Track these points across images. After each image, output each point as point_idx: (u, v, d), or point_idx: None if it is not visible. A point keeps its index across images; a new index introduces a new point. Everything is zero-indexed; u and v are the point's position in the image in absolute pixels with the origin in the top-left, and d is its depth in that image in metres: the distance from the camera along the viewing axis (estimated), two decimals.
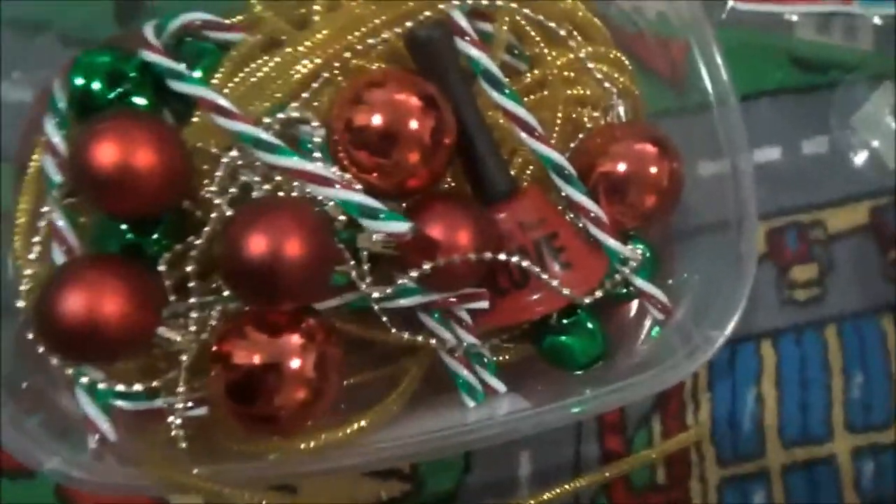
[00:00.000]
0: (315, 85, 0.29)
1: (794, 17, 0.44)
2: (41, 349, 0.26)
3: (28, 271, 0.29)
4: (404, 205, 0.30)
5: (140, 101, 0.30)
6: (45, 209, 0.29)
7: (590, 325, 0.32)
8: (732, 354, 0.39)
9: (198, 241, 0.27)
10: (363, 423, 0.28)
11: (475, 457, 0.36)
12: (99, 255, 0.28)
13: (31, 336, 0.27)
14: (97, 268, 0.26)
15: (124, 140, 0.25)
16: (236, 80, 0.30)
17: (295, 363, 0.26)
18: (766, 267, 0.40)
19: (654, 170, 0.31)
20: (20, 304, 0.28)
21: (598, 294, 0.31)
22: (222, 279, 0.26)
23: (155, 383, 0.28)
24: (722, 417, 0.39)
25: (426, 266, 0.27)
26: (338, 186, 0.26)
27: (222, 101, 0.27)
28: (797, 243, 0.41)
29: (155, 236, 0.28)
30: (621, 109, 0.33)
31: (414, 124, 0.27)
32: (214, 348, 0.26)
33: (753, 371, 0.39)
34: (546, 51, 0.33)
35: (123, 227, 0.28)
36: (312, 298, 0.27)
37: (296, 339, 0.26)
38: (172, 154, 0.26)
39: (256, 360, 0.25)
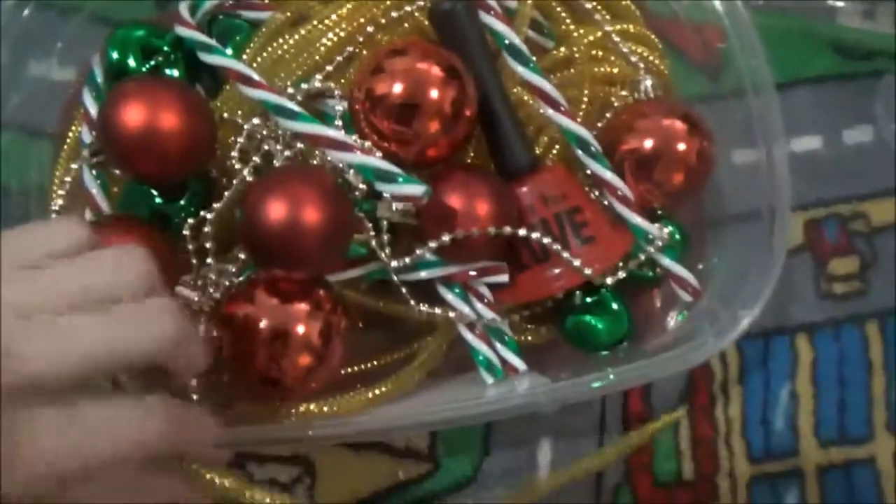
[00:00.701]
0: (339, 58, 0.30)
1: (838, 4, 0.42)
2: None
3: None
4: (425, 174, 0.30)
5: (172, 73, 0.31)
6: (75, 168, 0.30)
7: (614, 305, 0.31)
8: (766, 347, 0.38)
9: (217, 205, 0.27)
10: (382, 389, 0.28)
11: (495, 440, 0.35)
12: (122, 216, 0.29)
13: None
14: (119, 229, 0.27)
15: (150, 101, 0.26)
16: (265, 54, 0.30)
17: (300, 329, 0.26)
18: (803, 259, 0.39)
19: (682, 147, 0.31)
20: None
21: (622, 275, 0.31)
22: (241, 243, 0.27)
23: None
24: (753, 413, 0.37)
25: (445, 237, 0.27)
26: (356, 152, 0.26)
27: (247, 71, 0.27)
28: (837, 235, 0.40)
29: (182, 203, 0.29)
30: (649, 84, 0.32)
31: (434, 93, 0.27)
32: (224, 311, 0.27)
33: (788, 366, 0.38)
34: (573, 28, 0.32)
35: (152, 192, 0.29)
36: (328, 265, 0.27)
37: (303, 307, 0.26)
38: (197, 118, 0.27)
39: (263, 324, 0.26)
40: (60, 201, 0.30)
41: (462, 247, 0.28)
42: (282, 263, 0.26)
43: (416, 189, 0.26)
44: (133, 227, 0.27)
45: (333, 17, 0.29)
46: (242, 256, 0.28)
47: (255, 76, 0.27)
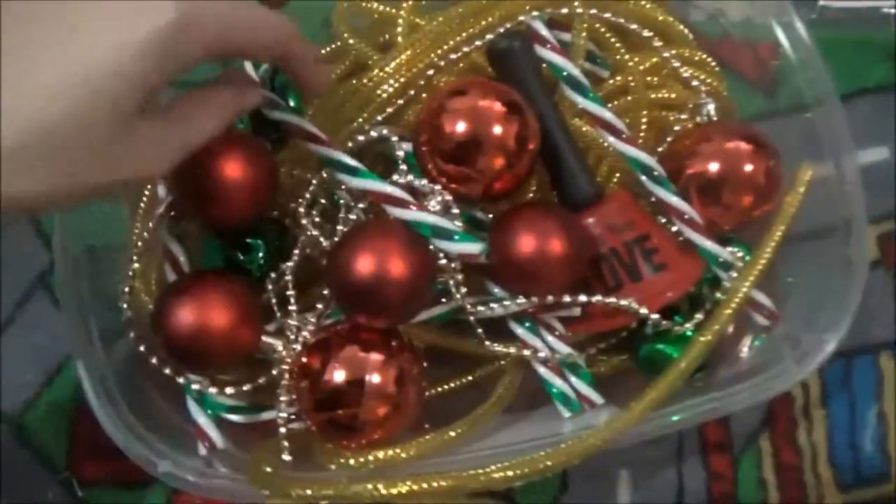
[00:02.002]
0: (400, 102, 0.30)
1: (893, 10, 0.42)
2: (154, 360, 0.28)
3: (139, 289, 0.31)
4: (490, 215, 0.30)
5: (240, 126, 0.32)
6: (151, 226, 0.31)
7: (688, 332, 0.31)
8: (848, 368, 0.37)
9: (288, 264, 0.28)
10: (458, 430, 0.28)
11: (572, 475, 0.35)
12: (206, 271, 0.30)
13: (143, 349, 0.28)
14: (204, 283, 0.28)
15: (217, 153, 0.27)
16: (326, 103, 0.31)
17: (376, 378, 0.26)
18: (879, 274, 0.38)
19: (749, 168, 0.30)
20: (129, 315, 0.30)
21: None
22: (331, 295, 0.28)
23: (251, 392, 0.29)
24: (840, 437, 0.36)
25: (521, 299, 0.27)
26: (412, 208, 0.26)
27: (308, 127, 0.28)
28: None
29: (259, 254, 0.30)
30: (712, 108, 0.32)
31: (498, 129, 0.27)
32: (302, 362, 0.27)
33: (872, 386, 0.36)
34: (627, 56, 0.32)
35: (228, 245, 0.30)
36: (414, 313, 0.28)
37: (379, 357, 0.27)
38: (259, 167, 0.28)
39: (341, 375, 0.26)
40: (139, 259, 0.31)
41: (534, 282, 0.28)
42: (369, 313, 0.26)
43: (473, 247, 0.26)
44: (217, 281, 0.28)
45: (392, 64, 0.30)
46: (319, 306, 0.28)
47: (316, 131, 0.28)
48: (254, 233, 0.30)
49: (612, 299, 0.28)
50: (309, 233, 0.29)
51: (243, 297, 0.28)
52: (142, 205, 0.31)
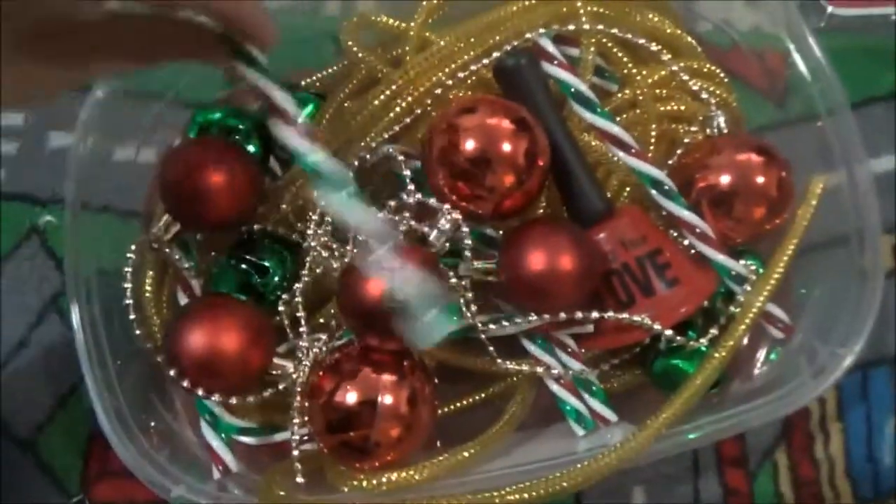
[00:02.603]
0: (408, 120, 0.30)
1: None
2: (168, 380, 0.28)
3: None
4: (501, 232, 0.30)
5: (250, 149, 0.32)
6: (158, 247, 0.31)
7: (703, 347, 0.30)
8: (864, 380, 0.36)
9: (298, 285, 0.28)
10: (471, 451, 0.28)
11: (586, 492, 0.34)
12: (217, 295, 0.30)
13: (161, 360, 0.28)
14: (214, 306, 0.28)
15: (196, 161, 0.28)
16: (335, 122, 0.31)
17: (388, 399, 0.26)
18: (894, 283, 0.37)
19: (760, 180, 0.30)
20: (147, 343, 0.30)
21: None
22: (342, 316, 0.28)
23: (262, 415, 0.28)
24: (858, 450, 0.35)
25: (534, 317, 0.27)
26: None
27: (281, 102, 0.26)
28: None
29: (276, 278, 0.30)
30: (722, 120, 0.32)
31: (507, 147, 0.27)
32: (313, 383, 0.27)
33: (890, 398, 0.36)
34: (634, 70, 0.32)
35: (242, 267, 0.30)
36: None
37: (391, 377, 0.27)
38: (239, 170, 0.28)
39: (353, 396, 0.26)
40: (150, 282, 0.31)
41: (545, 299, 0.27)
42: (381, 334, 0.26)
43: None
44: (227, 304, 0.28)
45: (399, 81, 0.30)
46: (333, 323, 0.28)
47: (288, 107, 0.27)
48: (269, 254, 0.30)
49: (625, 315, 0.28)
50: (316, 253, 0.29)
51: (254, 319, 0.28)
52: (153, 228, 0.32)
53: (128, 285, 0.29)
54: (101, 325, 0.29)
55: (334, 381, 0.27)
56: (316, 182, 0.23)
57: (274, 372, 0.28)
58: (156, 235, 0.30)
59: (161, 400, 0.31)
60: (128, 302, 0.29)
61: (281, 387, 0.28)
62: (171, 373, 0.27)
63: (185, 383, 0.27)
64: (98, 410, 0.28)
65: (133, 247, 0.30)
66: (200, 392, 0.27)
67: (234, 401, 0.28)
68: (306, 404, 0.27)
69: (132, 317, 0.29)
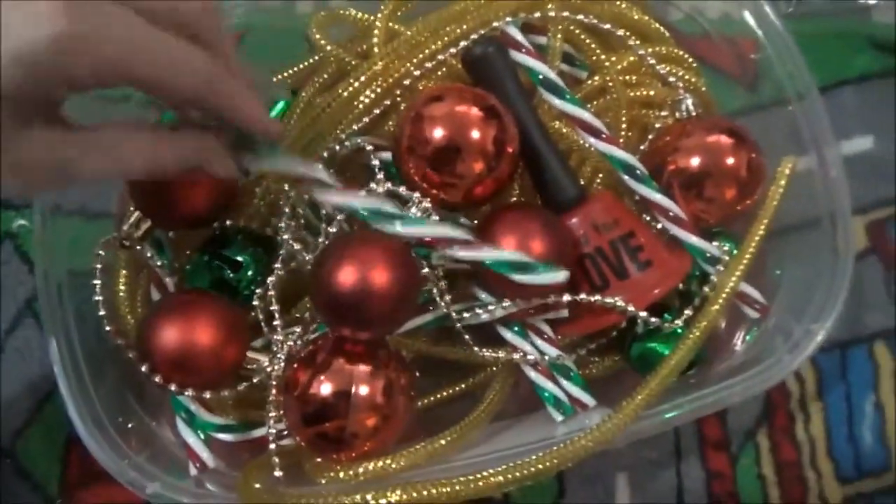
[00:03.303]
0: (377, 111, 0.30)
1: (871, 1, 0.42)
2: (145, 379, 0.28)
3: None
4: (475, 221, 0.30)
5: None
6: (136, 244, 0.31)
7: (679, 329, 0.30)
8: (843, 359, 0.36)
9: (271, 279, 0.28)
10: (448, 438, 0.28)
11: (569, 479, 0.34)
12: (192, 291, 0.30)
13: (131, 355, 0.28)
14: (187, 302, 0.28)
15: None
16: (306, 116, 0.31)
17: (364, 390, 0.26)
18: (871, 262, 0.38)
19: (731, 161, 0.30)
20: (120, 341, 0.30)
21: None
22: (315, 309, 0.27)
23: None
24: (838, 430, 0.35)
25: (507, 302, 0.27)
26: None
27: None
28: None
29: (249, 273, 0.30)
30: (690, 103, 0.32)
31: (476, 134, 0.27)
32: (288, 376, 0.27)
33: (869, 376, 0.36)
34: (603, 57, 0.33)
35: (216, 263, 0.30)
36: (399, 325, 0.27)
37: (366, 368, 0.27)
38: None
39: (328, 387, 0.26)
40: (123, 281, 0.31)
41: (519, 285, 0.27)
42: (354, 326, 0.26)
43: (557, 277, 0.26)
44: (200, 299, 0.28)
45: (369, 72, 0.30)
46: (307, 316, 0.28)
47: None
48: (242, 249, 0.30)
49: (598, 298, 0.28)
50: (289, 246, 0.28)
51: (228, 314, 0.28)
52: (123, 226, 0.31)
53: (96, 282, 0.28)
54: (74, 328, 0.29)
55: (308, 373, 0.27)
56: (374, 219, 0.25)
57: (249, 366, 0.28)
58: (126, 233, 0.29)
59: (139, 400, 0.31)
60: (97, 299, 0.28)
61: (256, 380, 0.28)
62: (143, 368, 0.27)
63: (158, 379, 0.27)
64: (73, 415, 0.28)
65: (101, 243, 0.29)
66: (173, 387, 0.27)
67: (208, 395, 0.28)
68: (281, 398, 0.27)
69: (101, 313, 0.29)
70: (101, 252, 0.29)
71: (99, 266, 0.29)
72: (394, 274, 0.25)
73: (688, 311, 0.30)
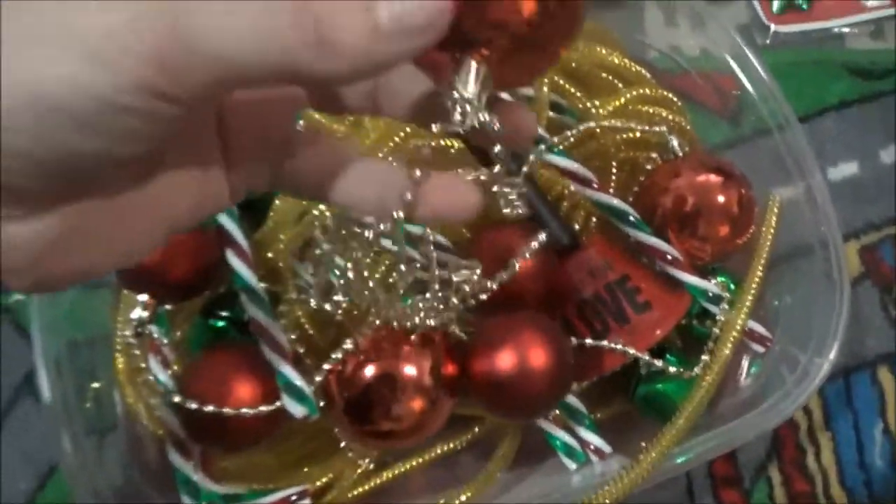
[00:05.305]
0: None
1: (845, 29, 0.43)
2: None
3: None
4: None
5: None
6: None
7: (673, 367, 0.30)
8: (847, 386, 0.36)
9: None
10: (468, 494, 0.27)
11: None
12: (217, 346, 0.29)
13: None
14: (217, 357, 0.28)
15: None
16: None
17: (410, 370, 0.25)
18: (866, 287, 0.38)
19: (721, 199, 0.31)
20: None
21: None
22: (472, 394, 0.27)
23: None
24: (849, 458, 0.35)
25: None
26: None
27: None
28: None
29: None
30: (676, 143, 0.32)
31: None
32: (329, 376, 0.26)
33: (874, 402, 0.36)
34: (589, 105, 0.33)
35: (212, 322, 0.30)
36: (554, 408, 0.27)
37: (408, 349, 0.25)
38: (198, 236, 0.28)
39: (372, 372, 0.25)
40: (121, 355, 0.31)
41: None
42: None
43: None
44: (228, 351, 0.28)
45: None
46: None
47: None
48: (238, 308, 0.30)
49: (603, 342, 0.28)
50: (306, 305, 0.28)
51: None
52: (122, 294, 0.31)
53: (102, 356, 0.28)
54: (74, 401, 0.29)
55: (348, 363, 0.26)
56: None
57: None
58: (139, 321, 0.29)
59: (142, 473, 0.30)
60: (102, 374, 0.28)
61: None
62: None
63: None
64: (75, 491, 0.27)
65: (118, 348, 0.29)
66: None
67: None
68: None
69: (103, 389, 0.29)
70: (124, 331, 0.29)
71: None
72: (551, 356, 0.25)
73: (704, 357, 0.29)
